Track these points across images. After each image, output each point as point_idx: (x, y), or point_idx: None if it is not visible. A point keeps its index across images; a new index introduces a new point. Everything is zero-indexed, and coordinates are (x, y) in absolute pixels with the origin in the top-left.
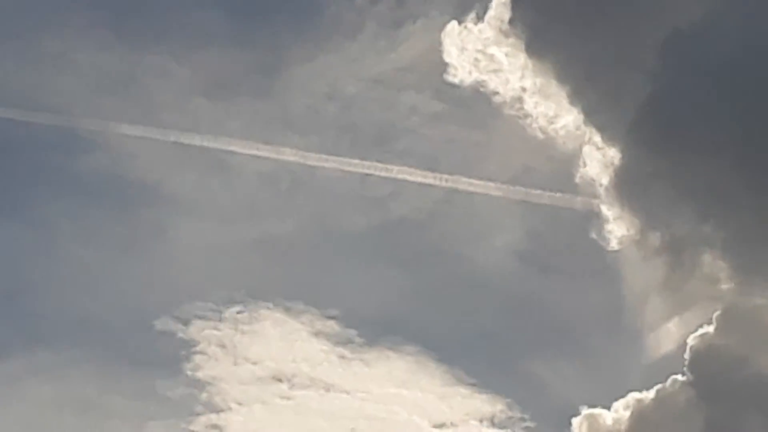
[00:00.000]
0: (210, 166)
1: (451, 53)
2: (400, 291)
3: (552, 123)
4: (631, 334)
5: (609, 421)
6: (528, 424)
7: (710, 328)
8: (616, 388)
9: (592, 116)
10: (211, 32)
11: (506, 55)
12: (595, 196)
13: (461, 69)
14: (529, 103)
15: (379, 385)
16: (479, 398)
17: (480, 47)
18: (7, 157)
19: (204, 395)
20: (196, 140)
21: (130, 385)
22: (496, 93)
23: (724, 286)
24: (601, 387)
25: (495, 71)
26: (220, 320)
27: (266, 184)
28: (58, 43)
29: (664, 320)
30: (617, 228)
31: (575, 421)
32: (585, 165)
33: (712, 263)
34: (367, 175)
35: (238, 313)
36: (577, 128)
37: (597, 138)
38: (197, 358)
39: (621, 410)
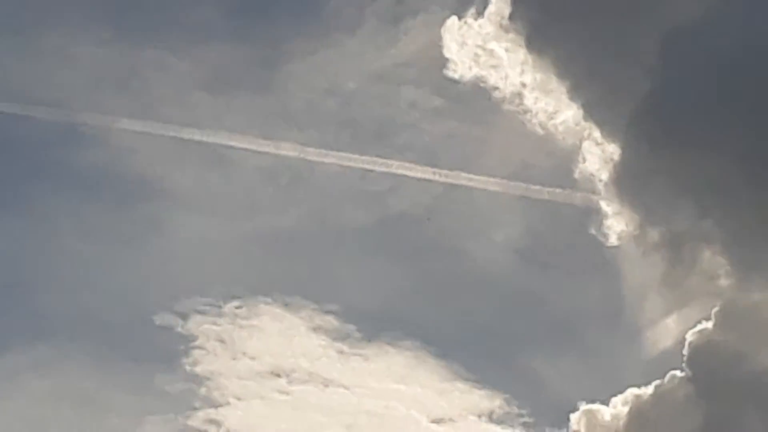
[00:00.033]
0: (209, 161)
1: (451, 48)
2: (399, 286)
3: (552, 118)
4: (630, 329)
5: (607, 417)
6: (526, 419)
7: (709, 324)
8: (614, 384)
9: (591, 112)
10: (211, 27)
11: (506, 50)
12: (595, 191)
13: (461, 64)
14: (529, 99)
15: (378, 380)
16: (478, 394)
17: (480, 43)
18: (7, 152)
19: (203, 390)
20: (196, 135)
21: (128, 379)
22: (496, 88)
23: (723, 282)
24: (600, 383)
25: (495, 67)
26: (219, 315)
27: (266, 179)
28: (57, 38)
29: (663, 316)
30: (616, 223)
31: (573, 417)
32: (584, 160)
33: (712, 259)
34: (366, 170)
35: (236, 307)
36: (577, 124)
37: (596, 134)
38: (196, 352)
39: (619, 406)
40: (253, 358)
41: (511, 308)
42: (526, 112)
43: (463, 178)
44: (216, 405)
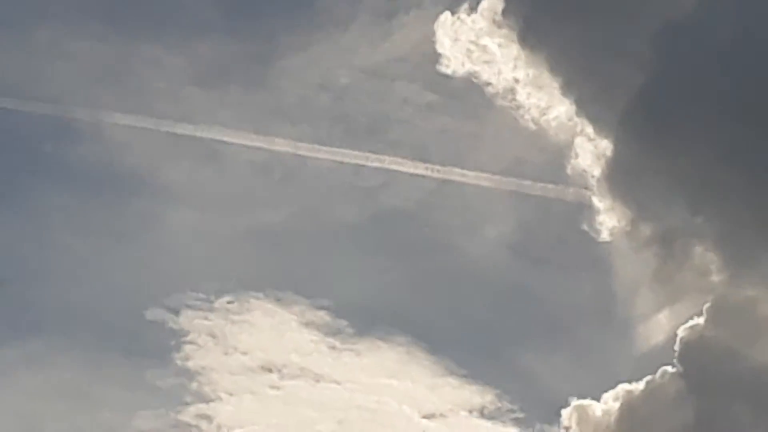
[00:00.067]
0: (202, 156)
1: (444, 44)
2: (391, 281)
3: (544, 114)
4: (622, 325)
5: (598, 413)
6: (517, 415)
7: (700, 320)
8: (605, 380)
9: (584, 108)
10: (204, 22)
11: (499, 46)
12: (587, 187)
13: (454, 60)
14: (522, 94)
15: (369, 375)
16: (469, 389)
17: (473, 38)
18: (0, 146)
19: (194, 385)
20: (189, 130)
21: (120, 374)
22: (489, 84)
23: (715, 278)
24: (591, 378)
25: (488, 62)
26: (211, 310)
27: (258, 174)
28: (51, 33)
29: (655, 312)
30: (608, 219)
31: (565, 413)
32: (577, 156)
33: (703, 255)
34: (359, 165)
35: (228, 303)
36: (569, 119)
37: (589, 129)
38: (187, 347)
39: (611, 401)
40: (244, 353)
41: (503, 304)
42: (518, 107)
43: (456, 174)
44: (207, 400)
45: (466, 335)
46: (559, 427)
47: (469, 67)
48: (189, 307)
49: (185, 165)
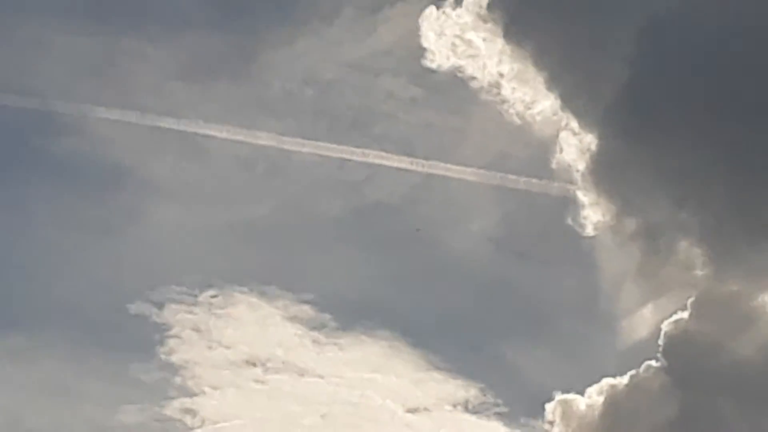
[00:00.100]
0: (186, 150)
1: (428, 38)
2: (375, 276)
3: (529, 109)
4: (606, 319)
5: (582, 407)
6: (501, 409)
7: (685, 315)
8: (590, 374)
9: (569, 102)
10: (188, 16)
11: (484, 40)
12: (572, 181)
13: (439, 54)
14: (507, 89)
15: (353, 369)
16: (453, 383)
17: (458, 32)
18: None
19: (178, 379)
20: (173, 124)
21: (103, 368)
22: (474, 78)
23: (699, 273)
24: (575, 373)
25: (472, 56)
26: (195, 304)
27: (242, 168)
28: (35, 27)
29: (639, 306)
30: (593, 214)
31: (549, 407)
32: (561, 151)
33: (688, 250)
34: (343, 159)
35: (212, 297)
36: (554, 114)
37: (574, 124)
38: (171, 341)
39: (595, 396)
40: (228, 348)
41: (488, 298)
42: (503, 102)
43: (440, 168)
44: (191, 394)
45: (450, 330)
46: (543, 421)
47: (454, 61)
48: (173, 301)
49: (169, 159)
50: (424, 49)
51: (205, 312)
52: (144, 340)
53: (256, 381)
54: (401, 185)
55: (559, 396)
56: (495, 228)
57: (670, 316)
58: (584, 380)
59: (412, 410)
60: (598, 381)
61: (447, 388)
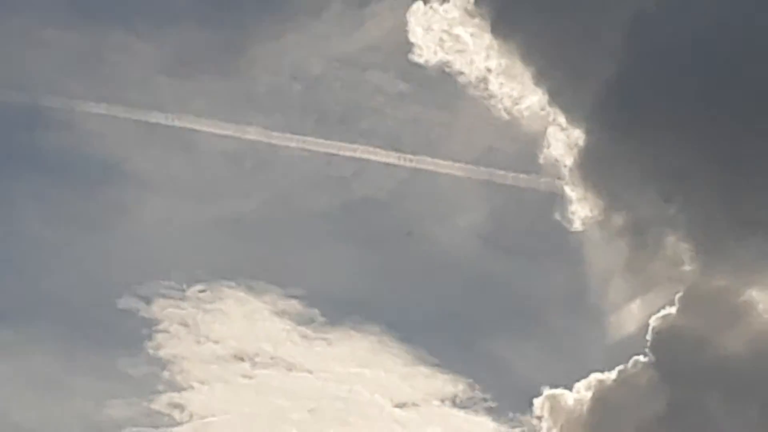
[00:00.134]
0: (173, 145)
1: (416, 33)
2: (363, 271)
3: (516, 104)
4: (594, 314)
5: (571, 402)
6: (490, 404)
7: (672, 309)
8: (578, 369)
9: (556, 97)
10: (176, 10)
11: (471, 35)
12: (559, 177)
13: (426, 49)
14: (494, 84)
15: (341, 364)
16: (441, 378)
17: (445, 27)
18: None
19: (166, 374)
20: (160, 118)
21: (91, 363)
22: (461, 73)
23: (687, 268)
24: (563, 367)
25: (460, 51)
26: (183, 299)
27: (230, 163)
28: (20, 20)
29: (627, 301)
30: (581, 209)
31: (537, 402)
32: (549, 146)
33: (675, 245)
34: (331, 154)
35: (200, 291)
36: (542, 109)
37: (561, 119)
38: (159, 336)
39: (583, 391)
40: (216, 342)
41: (476, 293)
42: (491, 97)
43: (428, 163)
44: (179, 389)
45: (439, 324)
46: (531, 416)
47: (441, 56)
48: (161, 295)
49: (156, 153)
50: (411, 44)
51: (193, 307)
52: (132, 335)
53: (244, 376)
54: (389, 180)
55: (547, 391)
56: (483, 223)
57: (658, 311)
58: (572, 375)
59: (401, 405)
60: (586, 376)
61: (435, 383)
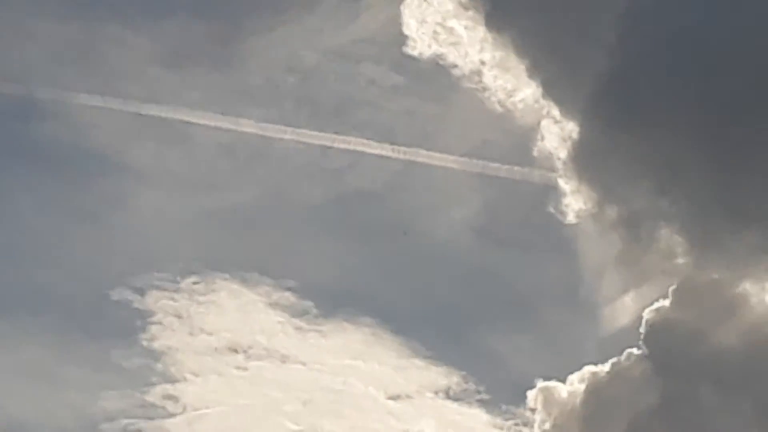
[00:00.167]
0: (167, 137)
1: (410, 26)
2: (357, 263)
3: (510, 96)
4: (587, 307)
5: (564, 394)
6: (483, 396)
7: (666, 302)
8: (571, 362)
9: (550, 90)
10: (170, 2)
11: (465, 28)
12: (553, 169)
13: (420, 41)
14: (488, 77)
15: (335, 356)
16: (435, 370)
17: (439, 20)
18: None
19: (159, 365)
20: (154, 110)
21: (85, 354)
22: (455, 66)
23: (681, 261)
24: (557, 360)
25: (454, 44)
26: (177, 291)
27: (224, 155)
28: (14, 12)
29: (620, 294)
30: (574, 202)
31: (530, 394)
32: (543, 139)
33: (669, 237)
34: (325, 146)
35: (194, 283)
36: (536, 102)
37: (555, 112)
38: (153, 328)
39: (576, 383)
40: (210, 334)
41: (469, 286)
42: (485, 89)
43: (422, 156)
44: (173, 380)
45: (432, 317)
46: (524, 408)
47: (435, 49)
48: (155, 287)
49: (150, 145)
50: (405, 37)
51: (187, 298)
52: (126, 327)
53: (238, 367)
54: (383, 172)
55: (540, 383)
56: (476, 215)
57: (652, 303)
58: (566, 368)
59: (394, 397)
60: (579, 368)
61: (429, 376)
